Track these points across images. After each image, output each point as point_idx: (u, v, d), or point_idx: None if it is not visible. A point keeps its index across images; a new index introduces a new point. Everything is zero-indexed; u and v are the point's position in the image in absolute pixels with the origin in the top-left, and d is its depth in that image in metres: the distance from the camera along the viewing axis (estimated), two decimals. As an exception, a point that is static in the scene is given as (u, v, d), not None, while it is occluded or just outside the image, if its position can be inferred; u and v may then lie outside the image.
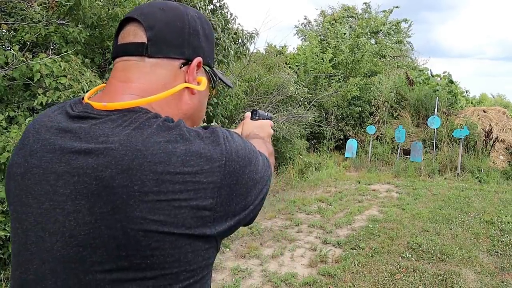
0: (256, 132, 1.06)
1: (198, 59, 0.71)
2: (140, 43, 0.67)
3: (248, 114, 1.14)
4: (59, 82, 2.99)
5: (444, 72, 11.32)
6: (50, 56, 3.06)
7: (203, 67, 0.75)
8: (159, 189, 0.56)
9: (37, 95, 2.96)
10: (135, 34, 0.68)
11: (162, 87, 0.67)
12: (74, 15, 3.67)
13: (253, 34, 6.00)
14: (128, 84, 0.66)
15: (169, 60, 0.68)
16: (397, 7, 15.37)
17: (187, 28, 0.70)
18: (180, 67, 0.70)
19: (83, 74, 3.17)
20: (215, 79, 0.80)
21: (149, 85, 0.67)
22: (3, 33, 3.52)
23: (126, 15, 0.71)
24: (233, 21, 5.69)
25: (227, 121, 5.83)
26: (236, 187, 0.62)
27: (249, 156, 0.65)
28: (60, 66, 3.01)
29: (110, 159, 0.57)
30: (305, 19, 16.60)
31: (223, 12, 5.53)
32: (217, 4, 5.57)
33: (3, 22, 3.33)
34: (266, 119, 1.16)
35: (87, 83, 3.11)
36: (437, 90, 10.12)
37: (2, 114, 2.93)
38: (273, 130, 1.18)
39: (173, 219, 0.56)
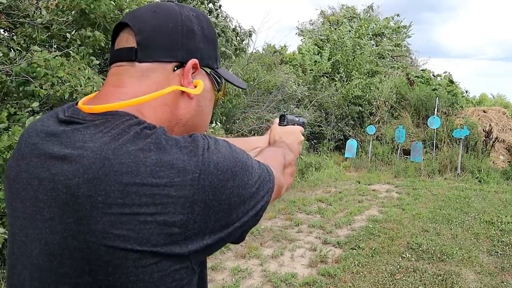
0: (283, 139, 1.00)
1: (193, 61, 0.67)
2: (130, 48, 0.65)
3: (277, 120, 1.07)
4: (57, 76, 2.99)
5: (444, 72, 11.32)
6: (52, 53, 3.07)
7: (203, 69, 0.70)
8: (124, 201, 0.52)
9: (34, 87, 2.96)
10: (127, 40, 0.66)
11: (155, 92, 0.65)
12: (87, 19, 3.69)
13: (251, 32, 6.06)
14: (120, 89, 0.64)
15: (161, 64, 0.65)
16: (398, 15, 15.41)
17: (179, 29, 0.66)
18: (174, 70, 0.66)
19: (82, 71, 3.17)
20: (219, 81, 0.75)
21: (141, 90, 0.64)
22: (10, 34, 3.54)
23: (120, 20, 0.69)
24: (229, 21, 5.75)
25: (225, 118, 5.83)
26: (213, 203, 0.56)
27: (235, 170, 0.59)
28: (58, 60, 3.02)
29: (79, 166, 0.54)
30: (310, 21, 16.57)
31: (218, 12, 5.58)
32: (212, 6, 5.63)
33: (10, 21, 3.36)
34: (297, 124, 1.08)
35: (85, 79, 3.10)
36: (436, 89, 10.10)
37: (3, 112, 2.93)
38: (304, 136, 1.11)
39: (137, 235, 0.52)
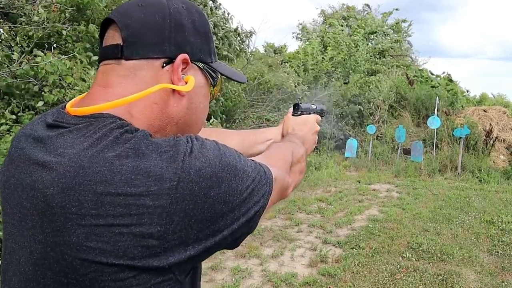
0: (296, 130, 0.94)
1: (182, 56, 0.62)
2: (115, 45, 0.61)
3: (291, 109, 0.99)
4: (64, 81, 2.98)
5: (443, 73, 11.33)
6: (55, 55, 3.06)
7: (195, 64, 0.66)
8: (98, 212, 0.49)
9: (43, 93, 2.95)
10: (113, 36, 0.62)
11: (142, 91, 0.61)
12: (83, 15, 3.68)
13: (251, 33, 6.07)
14: (107, 89, 0.61)
15: (149, 60, 0.61)
16: (397, 9, 15.34)
17: (167, 22, 0.61)
18: (163, 67, 0.62)
19: (87, 73, 3.17)
20: (214, 75, 0.70)
21: (128, 89, 0.60)
22: (8, 34, 3.53)
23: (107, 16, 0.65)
24: (230, 20, 5.75)
25: (220, 119, 5.83)
26: (195, 212, 0.52)
27: (221, 175, 0.54)
28: (65, 65, 3.00)
29: (55, 175, 0.52)
30: (313, 20, 16.56)
31: (219, 12, 5.58)
32: (212, 5, 5.63)
33: (10, 24, 3.35)
34: (314, 113, 1.00)
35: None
36: (435, 87, 10.09)
37: (6, 112, 2.92)
38: (320, 125, 1.02)
39: (113, 248, 0.49)
